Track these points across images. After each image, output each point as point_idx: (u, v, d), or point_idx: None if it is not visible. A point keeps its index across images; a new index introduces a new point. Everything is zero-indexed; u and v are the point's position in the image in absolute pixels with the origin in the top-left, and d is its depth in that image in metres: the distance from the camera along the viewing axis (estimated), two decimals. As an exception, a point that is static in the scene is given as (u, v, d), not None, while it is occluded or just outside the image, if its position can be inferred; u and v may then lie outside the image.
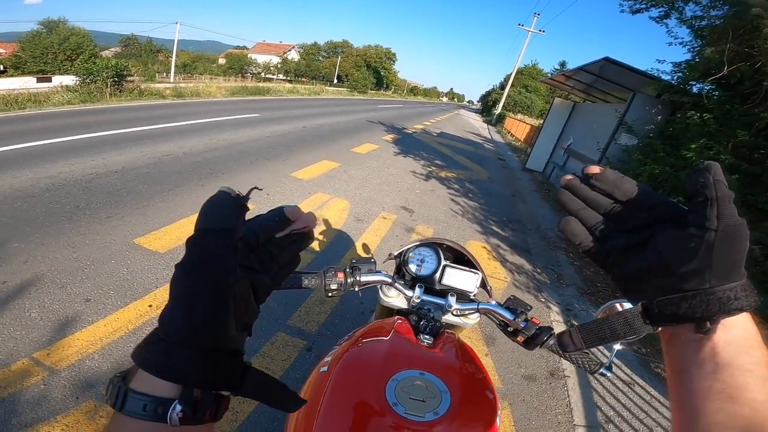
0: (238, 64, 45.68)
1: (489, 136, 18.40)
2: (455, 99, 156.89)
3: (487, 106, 42.96)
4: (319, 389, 0.62)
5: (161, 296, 2.23)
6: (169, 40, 33.05)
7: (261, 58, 51.88)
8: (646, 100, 4.58)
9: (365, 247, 3.42)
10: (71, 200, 3.17)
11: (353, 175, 5.59)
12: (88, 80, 9.04)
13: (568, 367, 2.44)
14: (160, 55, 36.91)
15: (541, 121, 9.57)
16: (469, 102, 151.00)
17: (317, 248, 3.22)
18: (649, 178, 3.74)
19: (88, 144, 4.82)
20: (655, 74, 4.47)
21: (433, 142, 11.22)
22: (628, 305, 0.78)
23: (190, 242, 0.31)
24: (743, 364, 0.30)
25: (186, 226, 3.09)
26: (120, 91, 9.51)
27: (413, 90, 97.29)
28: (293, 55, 59.71)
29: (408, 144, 9.81)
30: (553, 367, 2.43)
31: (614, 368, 2.57)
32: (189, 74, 34.02)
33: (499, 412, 0.68)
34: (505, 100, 29.72)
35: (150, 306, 2.13)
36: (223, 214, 0.31)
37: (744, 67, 3.14)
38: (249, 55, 53.67)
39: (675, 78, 4.26)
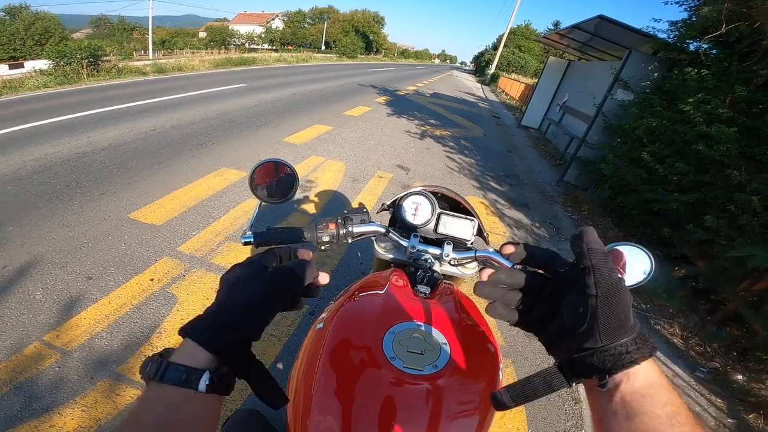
0: (220, 37, 43.79)
1: (483, 96, 17.96)
2: (448, 60, 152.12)
3: (480, 66, 41.79)
4: (316, 346, 0.61)
5: (162, 269, 2.22)
6: (143, 18, 31.58)
7: (244, 29, 49.79)
8: (642, 58, 4.52)
9: (362, 206, 3.41)
10: (61, 180, 3.12)
11: (347, 137, 5.50)
12: (62, 63, 8.70)
13: None
14: (135, 33, 35.37)
15: (536, 80, 9.33)
16: (462, 63, 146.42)
17: (314, 210, 3.21)
18: (646, 131, 3.75)
19: (71, 124, 4.68)
20: (651, 32, 4.44)
21: (426, 103, 10.96)
22: (639, 251, 0.75)
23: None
24: (650, 409, 0.33)
25: (180, 197, 3.06)
26: (97, 71, 9.18)
27: (404, 53, 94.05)
28: (277, 24, 57.35)
29: (401, 105, 9.59)
30: None
31: None
32: (169, 50, 32.71)
33: (501, 365, 0.67)
34: (499, 60, 28.94)
35: (151, 280, 2.11)
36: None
37: (742, 26, 3.10)
38: (231, 27, 51.37)
39: (671, 36, 4.23)
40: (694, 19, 3.88)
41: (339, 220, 0.83)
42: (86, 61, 8.79)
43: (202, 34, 50.25)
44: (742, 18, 3.10)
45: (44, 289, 1.96)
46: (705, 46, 3.78)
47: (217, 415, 0.40)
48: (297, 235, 0.82)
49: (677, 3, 4.08)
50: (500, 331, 2.23)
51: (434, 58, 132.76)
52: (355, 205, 3.40)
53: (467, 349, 0.62)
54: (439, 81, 22.49)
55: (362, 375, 0.55)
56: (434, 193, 1.02)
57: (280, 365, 1.73)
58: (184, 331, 0.39)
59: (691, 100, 3.28)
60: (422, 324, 0.64)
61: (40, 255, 2.20)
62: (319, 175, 3.92)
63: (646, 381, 0.35)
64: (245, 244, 0.80)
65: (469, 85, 23.81)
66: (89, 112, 5.30)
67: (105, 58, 10.17)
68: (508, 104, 15.30)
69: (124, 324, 1.82)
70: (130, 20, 36.76)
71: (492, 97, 18.28)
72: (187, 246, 2.47)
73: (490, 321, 2.26)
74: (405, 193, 1.00)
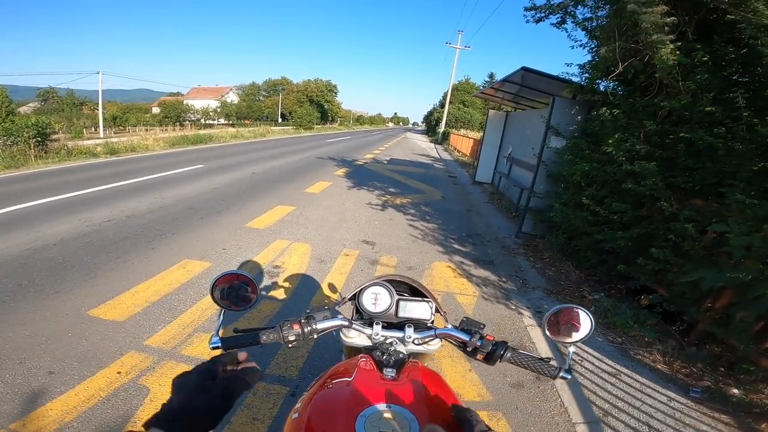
0: (174, 112, 44.00)
1: (437, 155, 19.19)
2: (400, 123, 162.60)
3: (431, 125, 44.71)
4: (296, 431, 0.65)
5: (129, 362, 2.18)
6: (92, 92, 31.15)
7: (198, 104, 50.41)
8: (565, 103, 4.83)
9: (331, 286, 3.40)
10: (12, 279, 2.98)
11: (310, 217, 5.56)
12: (9, 142, 8.24)
13: None
14: (85, 107, 34.66)
15: (482, 134, 10.06)
16: (414, 124, 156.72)
17: (284, 295, 3.15)
18: (582, 175, 3.98)
19: (21, 216, 4.44)
20: (567, 77, 4.70)
21: (384, 170, 11.51)
22: (583, 313, 0.88)
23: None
24: None
25: (142, 292, 2.93)
26: (45, 153, 8.71)
27: (359, 119, 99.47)
28: (232, 98, 58.88)
29: (360, 176, 9.96)
30: None
31: (594, 360, 2.68)
32: (121, 127, 32.18)
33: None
34: (446, 117, 30.99)
35: (119, 373, 2.07)
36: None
37: (635, 62, 3.39)
38: (185, 102, 52.03)
39: (583, 79, 4.51)
40: (596, 59, 4.08)
41: (303, 320, 0.89)
42: (34, 140, 8.35)
43: (155, 110, 50.23)
44: (633, 54, 3.37)
45: (4, 383, 1.93)
46: (612, 85, 4.10)
47: None
48: (265, 337, 0.88)
49: (581, 46, 4.43)
50: (485, 387, 2.28)
51: (388, 122, 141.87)
52: (324, 287, 3.39)
53: (435, 422, 0.65)
54: (394, 145, 23.85)
55: None
56: (391, 281, 1.09)
57: None
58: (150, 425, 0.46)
59: (610, 141, 3.50)
60: (391, 405, 0.68)
61: None
62: (285, 259, 3.90)
63: None
64: (213, 349, 0.85)
65: (423, 146, 25.41)
66: (39, 201, 5.06)
67: (54, 137, 9.70)
68: (461, 161, 16.42)
69: (94, 415, 1.81)
70: (79, 94, 35.70)
71: (446, 155, 19.59)
72: (154, 340, 2.40)
73: (475, 381, 2.28)
74: (364, 285, 1.06)
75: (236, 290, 0.93)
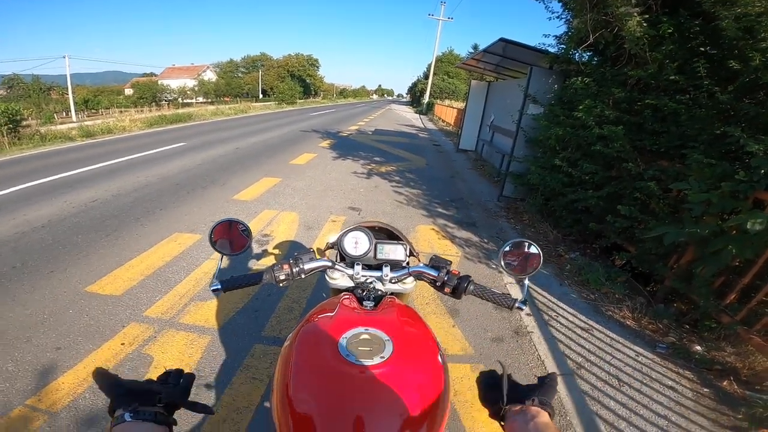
0: (149, 93, 42.17)
1: (422, 125, 19.04)
2: (385, 95, 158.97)
3: (415, 96, 44.12)
4: (286, 361, 0.74)
5: (131, 334, 2.25)
6: (59, 76, 29.65)
7: (174, 83, 48.46)
8: (542, 73, 4.98)
9: (320, 251, 3.52)
10: (4, 262, 2.99)
11: (296, 187, 5.63)
12: None
13: (530, 324, 2.65)
14: (53, 93, 33.06)
15: (465, 104, 10.11)
16: (398, 96, 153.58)
17: (274, 261, 3.27)
18: (556, 139, 4.16)
19: (1, 203, 4.39)
20: (545, 48, 4.85)
21: (369, 141, 11.47)
22: (533, 247, 1.02)
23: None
24: None
25: (136, 267, 3.01)
26: (18, 139, 8.51)
27: (342, 92, 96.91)
28: (210, 76, 56.63)
29: (345, 147, 9.94)
30: (516, 326, 2.62)
31: (569, 316, 2.86)
32: (93, 110, 30.87)
33: (440, 351, 0.79)
34: (431, 88, 30.80)
35: (122, 344, 2.15)
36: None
37: (606, 34, 3.53)
38: (159, 82, 49.98)
39: (559, 50, 4.66)
40: (570, 30, 4.22)
41: (291, 261, 1.00)
42: (6, 128, 8.18)
43: (128, 91, 48.19)
44: (604, 26, 3.50)
45: (14, 361, 1.98)
46: (585, 55, 4.25)
47: None
48: (258, 278, 1.00)
49: (558, 17, 4.53)
50: (467, 341, 2.41)
51: (372, 94, 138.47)
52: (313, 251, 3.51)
53: (408, 341, 0.77)
54: (379, 117, 23.54)
55: (326, 373, 0.68)
56: (370, 228, 1.18)
57: (267, 404, 1.78)
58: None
59: (581, 107, 3.66)
60: (368, 327, 0.76)
61: (2, 332, 2.18)
62: (274, 228, 4.00)
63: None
64: (214, 291, 0.96)
65: (408, 117, 25.09)
66: (18, 187, 4.98)
67: (25, 123, 9.46)
68: (446, 130, 16.35)
69: (105, 384, 1.88)
70: (45, 79, 34.03)
71: (430, 125, 19.43)
72: (152, 311, 2.48)
73: (458, 336, 2.46)
74: (345, 231, 1.15)
75: (232, 236, 1.03)
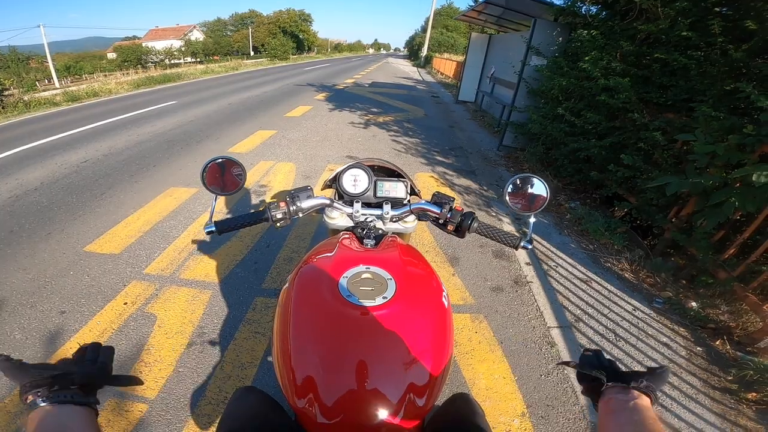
0: (133, 56, 40.35)
1: (420, 78, 18.35)
2: (381, 49, 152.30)
3: (413, 50, 42.50)
4: (287, 302, 0.70)
5: (133, 292, 2.22)
6: (37, 45, 28.43)
7: (160, 45, 46.27)
8: (547, 25, 4.84)
9: (307, 186, 3.49)
10: (2, 227, 2.95)
11: (292, 138, 5.51)
12: None
13: (529, 273, 2.61)
14: (33, 62, 31.78)
15: (465, 56, 9.72)
16: (396, 50, 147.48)
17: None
18: (560, 90, 4.11)
19: (-10, 169, 4.31)
20: (550, 0, 4.80)
21: (366, 93, 11.07)
22: (538, 181, 0.93)
23: None
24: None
25: (133, 224, 2.99)
26: (3, 108, 8.33)
27: (337, 47, 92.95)
28: (197, 35, 54.14)
29: (341, 99, 9.63)
30: (515, 275, 2.58)
31: (568, 266, 2.80)
32: (77, 75, 29.81)
33: (444, 292, 0.75)
34: (429, 42, 29.64)
35: (125, 304, 2.13)
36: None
37: None
38: (144, 44, 47.71)
39: (565, 2, 4.56)
40: None
41: (288, 199, 0.94)
42: None
43: (111, 55, 46.17)
44: None
45: (21, 329, 1.95)
46: (593, 8, 4.12)
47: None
48: (254, 218, 0.94)
49: None
50: (467, 291, 2.38)
51: (368, 48, 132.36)
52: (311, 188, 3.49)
53: (411, 281, 0.72)
54: (376, 70, 22.60)
55: (326, 315, 0.64)
56: (370, 166, 1.12)
57: (270, 358, 1.80)
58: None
59: (587, 58, 3.60)
60: (370, 266, 0.73)
61: (5, 299, 2.16)
62: (271, 178, 3.94)
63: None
64: (208, 233, 0.92)
65: (406, 70, 24.15)
66: (9, 152, 4.87)
67: (7, 93, 9.21)
68: (445, 83, 15.76)
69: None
70: (22, 49, 32.60)
71: (429, 78, 18.71)
72: (152, 267, 2.46)
73: (458, 284, 2.43)
74: (343, 168, 1.09)
75: (226, 174, 0.96)
